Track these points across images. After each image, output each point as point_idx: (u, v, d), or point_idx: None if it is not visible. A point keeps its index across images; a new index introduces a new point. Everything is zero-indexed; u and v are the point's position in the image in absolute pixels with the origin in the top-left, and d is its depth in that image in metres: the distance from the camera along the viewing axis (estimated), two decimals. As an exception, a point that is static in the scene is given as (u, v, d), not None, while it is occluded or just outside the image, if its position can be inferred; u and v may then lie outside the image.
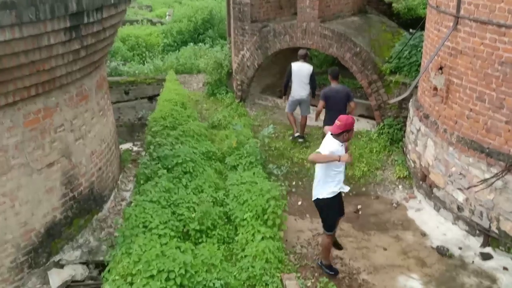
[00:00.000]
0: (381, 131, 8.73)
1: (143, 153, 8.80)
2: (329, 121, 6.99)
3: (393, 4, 11.94)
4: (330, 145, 5.09)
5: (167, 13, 20.41)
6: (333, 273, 5.51)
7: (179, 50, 15.91)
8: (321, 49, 9.41)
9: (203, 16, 16.95)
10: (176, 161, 7.39)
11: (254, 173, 7.31)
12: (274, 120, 10.19)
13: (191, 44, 15.55)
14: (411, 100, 7.82)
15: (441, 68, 6.26)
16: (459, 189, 6.09)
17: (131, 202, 6.92)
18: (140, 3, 23.72)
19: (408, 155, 7.60)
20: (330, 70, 7.90)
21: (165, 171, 7.21)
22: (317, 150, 5.16)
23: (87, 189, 6.66)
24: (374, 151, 8.39)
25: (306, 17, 9.30)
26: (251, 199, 6.22)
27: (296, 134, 8.96)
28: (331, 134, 5.13)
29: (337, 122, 5.06)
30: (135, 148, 9.68)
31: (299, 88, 8.67)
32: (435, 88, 6.49)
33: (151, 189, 6.67)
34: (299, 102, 8.94)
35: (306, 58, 8.79)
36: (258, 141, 8.19)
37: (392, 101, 6.55)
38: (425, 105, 6.91)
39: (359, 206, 7.08)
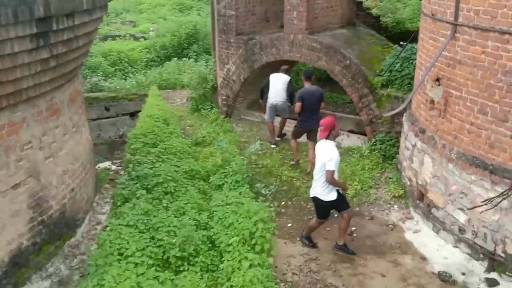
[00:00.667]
0: (373, 147, 8.35)
1: (122, 172, 8.24)
2: (303, 121, 7.86)
3: (381, 18, 11.75)
4: (333, 151, 5.58)
5: (150, 28, 20.03)
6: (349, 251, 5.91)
7: (162, 66, 15.48)
8: (309, 62, 9.07)
9: (187, 30, 16.61)
10: (156, 180, 6.87)
11: (240, 193, 6.81)
12: (261, 136, 9.75)
13: (175, 59, 15.14)
14: (404, 114, 7.47)
15: (438, 80, 5.91)
16: (461, 209, 5.68)
17: (106, 226, 6.34)
18: (124, 18, 23.32)
19: (403, 173, 7.20)
20: (304, 72, 8.38)
21: (144, 191, 6.66)
22: (328, 163, 5.53)
23: (58, 212, 6.06)
24: (367, 168, 7.98)
25: (294, 29, 8.97)
26: (237, 222, 5.71)
27: (273, 142, 9.12)
28: (325, 139, 5.70)
29: (320, 128, 5.78)
30: (113, 167, 9.11)
31: (275, 94, 8.96)
32: (432, 101, 6.13)
33: (128, 211, 6.11)
34: (275, 109, 9.08)
35: (287, 73, 9.01)
36: (245, 158, 7.71)
37: (387, 114, 6.19)
38: (420, 119, 6.55)
39: (353, 228, 6.61)
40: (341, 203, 5.79)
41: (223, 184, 7.21)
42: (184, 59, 14.89)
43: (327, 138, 5.65)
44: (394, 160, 8.01)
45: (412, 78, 7.99)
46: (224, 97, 10.67)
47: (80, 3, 5.13)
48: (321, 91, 7.98)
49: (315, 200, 5.84)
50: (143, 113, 10.30)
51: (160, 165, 7.49)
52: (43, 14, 4.58)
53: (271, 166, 8.32)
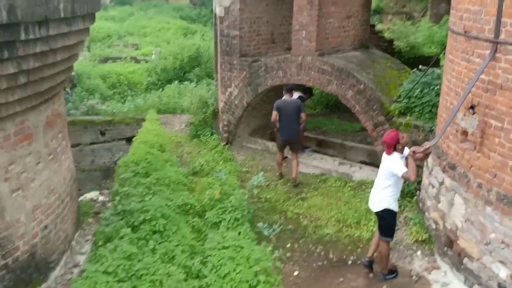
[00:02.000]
0: (390, 182, 7.44)
1: (110, 205, 7.37)
2: (281, 130, 7.93)
3: (394, 42, 11.06)
4: (398, 162, 5.30)
5: (153, 52, 19.50)
6: (396, 274, 5.58)
7: (163, 89, 14.80)
8: (319, 85, 8.29)
9: (189, 53, 16.01)
10: (144, 217, 5.98)
11: (239, 233, 5.92)
12: (264, 166, 8.89)
13: (176, 82, 14.47)
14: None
15: (472, 108, 5.08)
16: (501, 262, 4.74)
17: (84, 271, 5.43)
18: (127, 41, 22.91)
19: (426, 213, 6.28)
20: (285, 84, 8.26)
21: (129, 230, 5.77)
22: (389, 171, 5.37)
23: (26, 254, 5.17)
24: (383, 206, 7.05)
25: (302, 50, 8.24)
26: (234, 272, 4.80)
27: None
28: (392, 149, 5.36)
29: (384, 145, 5.47)
30: (101, 198, 8.23)
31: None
32: (464, 132, 5.28)
33: (109, 254, 5.22)
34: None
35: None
36: (246, 192, 6.83)
37: (422, 148, 5.33)
38: (449, 152, 5.68)
39: (370, 275, 5.67)
40: (393, 224, 5.57)
41: (220, 221, 6.31)
42: (185, 82, 14.20)
43: (393, 151, 5.37)
44: (414, 197, 7.09)
45: (433, 106, 7.17)
46: (225, 123, 9.88)
47: (55, 10, 4.38)
48: (299, 103, 8.01)
49: (384, 214, 5.43)
50: (137, 139, 9.51)
51: (150, 198, 6.62)
52: (7, 19, 3.83)
53: (275, 201, 7.42)
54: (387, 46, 10.90)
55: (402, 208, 7.05)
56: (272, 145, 9.61)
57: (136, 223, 5.97)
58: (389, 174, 5.37)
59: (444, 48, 8.86)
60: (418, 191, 7.04)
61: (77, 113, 13.46)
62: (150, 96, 13.94)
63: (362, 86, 7.68)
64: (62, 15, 4.52)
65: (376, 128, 7.65)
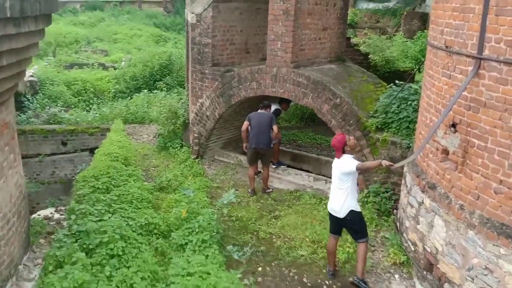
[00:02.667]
0: (365, 200, 7.16)
1: (65, 224, 6.75)
2: (250, 139, 7.80)
3: (370, 56, 10.91)
4: (349, 161, 5.32)
5: (123, 59, 18.82)
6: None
7: (131, 97, 14.20)
8: (293, 98, 7.96)
9: (160, 61, 15.47)
10: (101, 239, 5.42)
11: (207, 257, 5.45)
12: (237, 181, 8.46)
13: (145, 91, 13.90)
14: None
15: (454, 125, 4.83)
16: (485, 289, 4.46)
17: (30, 300, 4.84)
18: (95, 47, 22.13)
19: (405, 234, 5.99)
20: (261, 102, 8.17)
21: (83, 254, 5.20)
22: (341, 171, 5.38)
23: (-38, 281, 4.56)
24: (359, 225, 6.74)
25: (277, 61, 7.90)
26: (200, 303, 4.32)
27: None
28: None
29: (334, 148, 5.53)
30: (57, 216, 7.60)
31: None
32: (445, 151, 5.03)
33: (58, 283, 4.64)
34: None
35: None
36: (215, 211, 6.37)
37: (397, 165, 5.09)
38: (429, 171, 5.41)
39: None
40: (364, 224, 5.54)
41: (186, 243, 5.82)
42: (155, 91, 13.66)
43: (343, 153, 5.42)
44: (391, 216, 6.82)
45: (411, 122, 6.95)
46: (196, 135, 9.42)
47: (0, 8, 3.86)
48: (271, 115, 7.95)
49: (352, 217, 5.34)
50: (99, 151, 8.92)
51: (110, 217, 6.07)
52: None
53: (246, 220, 6.99)
54: (363, 60, 10.74)
55: (378, 227, 6.77)
56: (245, 159, 9.19)
57: (91, 246, 5.40)
58: (344, 176, 5.34)
59: (421, 63, 8.76)
60: (395, 210, 6.77)
61: (38, 121, 12.69)
62: (117, 105, 13.32)
63: (338, 100, 7.39)
64: (9, 15, 4.00)
65: (352, 143, 7.35)
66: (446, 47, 4.96)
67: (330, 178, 8.32)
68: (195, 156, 9.34)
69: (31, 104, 13.37)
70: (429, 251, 5.30)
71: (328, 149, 10.42)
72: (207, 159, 9.43)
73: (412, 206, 5.73)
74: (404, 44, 13.43)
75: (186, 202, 6.56)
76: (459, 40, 4.71)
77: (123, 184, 7.34)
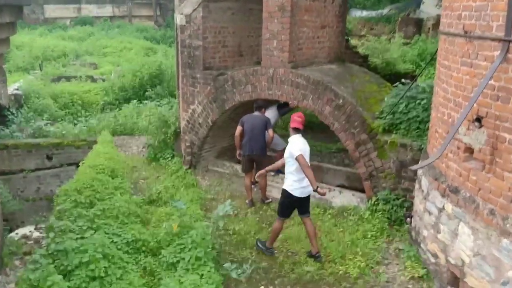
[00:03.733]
0: (374, 208, 6.57)
1: (44, 243, 6.07)
2: (243, 146, 7.31)
3: (369, 58, 10.43)
4: (298, 143, 5.60)
5: (113, 71, 18.22)
6: (270, 254, 5.81)
7: (120, 109, 13.60)
8: (292, 101, 7.40)
9: (150, 71, 14.92)
10: (80, 259, 4.76)
11: (201, 276, 4.81)
12: (233, 192, 7.84)
13: (135, 101, 13.31)
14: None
15: (479, 120, 4.27)
16: (525, 305, 3.85)
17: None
18: (84, 61, 21.56)
19: (423, 245, 5.38)
20: (255, 101, 7.64)
21: (60, 277, 4.53)
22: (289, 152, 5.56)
23: None
24: (369, 236, 6.14)
25: (273, 61, 7.36)
26: (194, 332, 3.67)
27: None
28: (295, 129, 5.72)
29: (298, 119, 5.73)
30: (36, 234, 6.93)
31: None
32: (469, 149, 4.46)
33: (28, 312, 3.97)
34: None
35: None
36: (210, 224, 5.73)
37: (416, 167, 4.53)
38: (449, 173, 4.83)
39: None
40: (284, 205, 5.80)
41: (178, 261, 5.17)
42: (145, 101, 13.07)
43: (299, 130, 5.74)
44: (404, 225, 6.21)
45: (421, 122, 6.40)
46: (187, 144, 8.80)
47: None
48: (266, 119, 7.40)
49: (282, 192, 5.80)
50: (84, 163, 8.26)
51: (92, 234, 5.40)
52: None
53: (245, 233, 6.36)
54: (362, 62, 10.23)
55: (390, 238, 6.16)
56: (241, 168, 8.58)
57: (70, 267, 4.74)
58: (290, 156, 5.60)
59: (430, 60, 8.24)
60: (408, 218, 6.16)
61: (22, 135, 12.03)
62: (105, 117, 12.70)
63: (341, 101, 6.84)
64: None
65: (358, 147, 6.79)
66: (465, 32, 4.43)
67: (334, 186, 7.79)
68: (187, 167, 8.71)
69: (15, 118, 12.72)
70: (453, 263, 4.69)
71: (328, 156, 9.83)
72: (200, 170, 8.80)
73: (430, 213, 5.13)
74: (401, 47, 12.98)
75: (177, 216, 5.91)
76: (482, 23, 4.18)
77: (109, 197, 6.69)
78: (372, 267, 5.50)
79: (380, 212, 6.46)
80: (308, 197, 5.74)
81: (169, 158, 9.09)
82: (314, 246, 5.63)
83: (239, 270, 5.11)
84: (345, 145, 6.97)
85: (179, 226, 5.67)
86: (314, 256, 5.62)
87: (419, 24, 20.12)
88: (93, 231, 5.51)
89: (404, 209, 6.37)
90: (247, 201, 7.34)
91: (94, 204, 6.40)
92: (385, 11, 23.50)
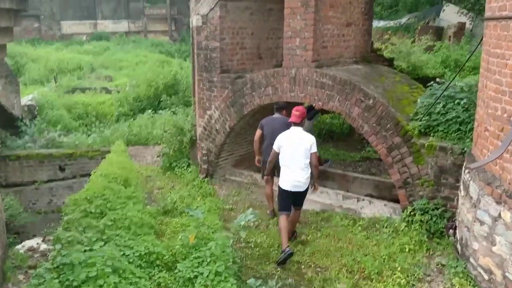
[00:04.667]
0: (410, 219, 5.94)
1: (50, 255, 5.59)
2: (264, 150, 6.62)
3: (394, 61, 9.87)
4: (280, 137, 5.73)
5: (128, 83, 17.96)
6: (288, 255, 5.27)
7: (135, 119, 13.25)
8: (317, 103, 6.87)
9: (166, 81, 14.60)
10: (88, 273, 4.26)
11: (223, 294, 4.24)
12: (252, 202, 7.29)
13: (149, 111, 12.95)
14: (464, 170, 5.15)
15: (544, 111, 3.68)
16: None
17: None
18: (100, 73, 21.46)
19: (472, 259, 4.73)
20: (276, 103, 7.06)
21: (64, 293, 4.03)
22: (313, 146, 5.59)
23: None
24: (407, 250, 5.50)
25: (296, 61, 6.88)
26: None
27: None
28: (293, 124, 5.66)
29: (296, 112, 5.66)
30: (43, 246, 6.45)
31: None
32: (531, 147, 3.86)
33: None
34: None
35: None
36: (231, 235, 5.18)
37: (476, 165, 3.95)
38: (506, 176, 4.22)
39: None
40: (278, 200, 5.78)
41: (196, 276, 4.61)
42: (160, 112, 12.70)
43: (299, 124, 5.68)
44: (446, 238, 5.57)
45: (462, 123, 5.82)
46: (204, 152, 8.31)
47: None
48: (287, 121, 6.36)
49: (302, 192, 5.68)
50: (96, 172, 7.84)
51: (102, 246, 4.90)
52: None
53: (268, 246, 5.78)
54: (387, 66, 9.70)
55: (430, 252, 5.51)
56: (260, 178, 8.05)
57: (76, 283, 4.23)
58: (307, 150, 5.56)
59: (468, 58, 7.64)
60: (451, 230, 5.52)
61: (35, 146, 11.73)
62: (119, 127, 12.35)
63: (371, 101, 6.29)
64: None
65: (390, 152, 6.20)
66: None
67: (362, 196, 7.19)
68: (203, 176, 8.21)
69: (28, 129, 12.46)
70: (513, 280, 4.05)
71: (352, 165, 9.25)
72: (217, 179, 8.28)
73: (482, 223, 4.50)
74: (426, 53, 12.41)
75: (194, 226, 5.38)
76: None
77: (121, 207, 6.20)
78: (413, 285, 4.87)
79: (418, 224, 5.83)
80: (300, 193, 5.67)
81: (185, 167, 8.61)
82: (283, 242, 5.37)
83: (264, 287, 4.53)
84: (376, 150, 6.39)
85: (196, 237, 5.13)
86: (283, 252, 5.27)
87: (439, 33, 19.58)
88: (103, 243, 5.01)
89: (445, 219, 5.73)
90: (268, 212, 6.79)
91: (105, 214, 5.92)
92: (403, 20, 23.04)
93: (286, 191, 5.56)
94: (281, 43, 8.60)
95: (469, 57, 6.05)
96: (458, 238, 5.13)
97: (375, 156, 9.66)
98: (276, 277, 4.99)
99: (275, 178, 6.62)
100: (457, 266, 4.84)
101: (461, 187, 5.22)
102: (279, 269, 5.26)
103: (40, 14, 33.36)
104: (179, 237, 5.39)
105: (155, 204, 7.17)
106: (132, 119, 13.32)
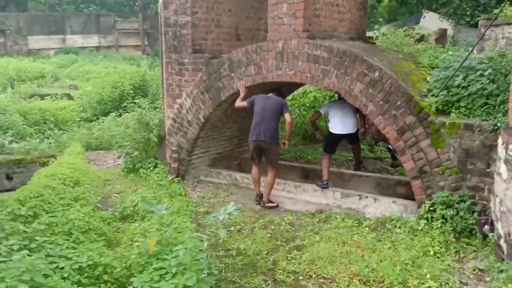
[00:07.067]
0: (430, 216, 4.77)
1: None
2: (251, 131, 5.88)
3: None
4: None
5: (93, 93, 16.47)
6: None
7: (99, 123, 11.85)
8: (309, 81, 5.73)
9: (133, 81, 13.27)
10: (-9, 293, 2.87)
11: (194, 318, 2.91)
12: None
13: (113, 114, 11.57)
14: (508, 146, 4.04)
15: None
16: None
17: None
18: (64, 83, 19.89)
19: (528, 259, 3.57)
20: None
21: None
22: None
23: None
24: (432, 254, 4.31)
25: (283, 31, 5.74)
26: None
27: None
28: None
29: None
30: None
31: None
32: None
33: None
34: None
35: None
36: (205, 236, 3.86)
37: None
38: None
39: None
40: None
41: (156, 295, 3.27)
42: (126, 115, 11.33)
43: None
44: (482, 236, 4.41)
45: (490, 95, 4.76)
46: (174, 148, 7.00)
47: None
48: (282, 102, 6.06)
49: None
50: (40, 172, 6.43)
51: (25, 256, 3.50)
52: None
53: (254, 253, 4.48)
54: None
55: (461, 255, 4.34)
56: (243, 178, 6.78)
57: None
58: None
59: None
60: (486, 226, 4.37)
61: None
62: (78, 131, 10.92)
63: (377, 74, 5.18)
64: None
65: (402, 135, 5.06)
66: None
67: (364, 193, 6.03)
68: (174, 176, 6.87)
69: (-25, 136, 10.86)
70: None
71: (346, 164, 8.09)
72: (190, 181, 6.96)
73: (544, 208, 3.36)
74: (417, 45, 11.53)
75: (157, 228, 4.04)
76: None
77: (63, 209, 4.82)
78: (449, 296, 3.66)
79: (440, 221, 4.68)
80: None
81: (151, 168, 7.25)
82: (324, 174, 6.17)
83: (252, 306, 3.21)
84: (384, 133, 5.24)
85: (159, 243, 3.80)
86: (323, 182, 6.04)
87: (419, 40, 19.09)
88: (27, 252, 3.61)
89: (475, 214, 4.59)
90: (256, 198, 5.98)
91: (39, 216, 4.52)
92: (383, 29, 22.53)
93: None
94: (262, 24, 7.54)
95: (478, 41, 5.11)
96: (502, 234, 3.96)
97: (369, 155, 8.58)
98: (267, 292, 3.69)
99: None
100: (507, 269, 3.65)
101: (502, 168, 4.09)
102: (270, 282, 3.96)
103: (6, 29, 31.72)
104: (136, 244, 4.05)
105: (112, 209, 5.77)
106: (94, 122, 11.89)
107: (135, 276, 3.59)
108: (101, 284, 3.64)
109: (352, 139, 6.70)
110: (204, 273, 3.49)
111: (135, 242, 4.26)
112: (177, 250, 3.55)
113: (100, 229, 4.68)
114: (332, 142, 6.42)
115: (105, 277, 3.71)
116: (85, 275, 3.63)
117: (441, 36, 19.53)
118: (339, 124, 6.25)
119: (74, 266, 3.62)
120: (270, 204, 5.83)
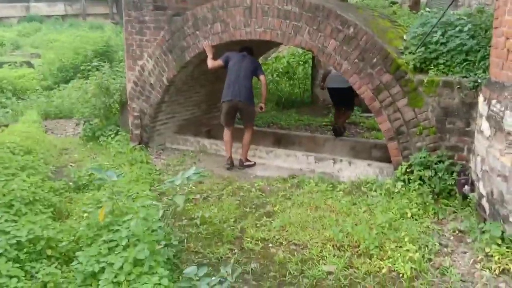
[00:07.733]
0: (407, 178, 4.52)
1: None
2: (225, 89, 5.55)
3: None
4: None
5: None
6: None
7: (60, 91, 11.12)
8: (280, 39, 5.29)
9: (96, 47, 12.48)
10: None
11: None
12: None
13: (75, 80, 10.84)
14: (490, 102, 3.75)
15: None
16: None
17: None
18: (26, 51, 18.72)
19: (507, 225, 3.33)
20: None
21: None
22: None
23: None
24: (409, 216, 4.07)
25: (252, -18, 5.25)
26: None
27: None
28: None
29: None
30: None
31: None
32: None
33: None
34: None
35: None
36: (162, 203, 3.47)
37: None
38: None
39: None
40: None
41: (103, 269, 2.89)
42: (87, 81, 10.68)
43: None
44: (461, 197, 4.19)
45: (470, 51, 4.45)
46: (136, 114, 6.51)
47: None
48: (257, 63, 5.78)
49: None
50: (-14, 141, 5.84)
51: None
52: None
53: (220, 221, 4.14)
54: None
55: (440, 217, 4.11)
56: (211, 144, 6.38)
57: None
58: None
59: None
60: (467, 186, 4.14)
61: None
62: (36, 100, 10.21)
63: (351, 30, 4.79)
64: None
65: (378, 94, 4.74)
66: None
67: (339, 157, 5.74)
68: (136, 143, 6.41)
69: None
70: None
71: (320, 130, 7.79)
72: (154, 148, 6.52)
73: (529, 165, 3.10)
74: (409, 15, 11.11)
75: (109, 197, 3.62)
76: None
77: (5, 180, 4.32)
78: (430, 259, 3.42)
79: (417, 183, 4.44)
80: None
81: (112, 136, 6.74)
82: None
83: (213, 278, 2.86)
84: (359, 93, 4.90)
85: (111, 213, 3.40)
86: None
87: (393, 3, 18.75)
88: (-45, 226, 3.16)
89: (454, 175, 4.35)
90: (226, 162, 5.63)
91: (-23, 186, 4.03)
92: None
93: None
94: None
95: (450, 4, 4.78)
96: (484, 194, 3.72)
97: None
98: (232, 261, 3.36)
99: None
100: (494, 230, 3.40)
101: (484, 125, 3.82)
102: (236, 250, 3.64)
103: (-36, -3, 29.61)
104: (85, 215, 3.63)
105: (67, 179, 5.30)
106: (55, 90, 11.15)
107: (82, 250, 3.21)
108: (44, 260, 3.23)
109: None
110: (160, 244, 3.13)
111: (90, 213, 3.84)
112: (128, 219, 3.16)
113: (49, 200, 4.23)
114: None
115: (49, 251, 3.32)
116: (24, 250, 3.21)
117: (415, 4, 19.26)
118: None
119: (12, 241, 3.20)
120: (248, 163, 5.65)
